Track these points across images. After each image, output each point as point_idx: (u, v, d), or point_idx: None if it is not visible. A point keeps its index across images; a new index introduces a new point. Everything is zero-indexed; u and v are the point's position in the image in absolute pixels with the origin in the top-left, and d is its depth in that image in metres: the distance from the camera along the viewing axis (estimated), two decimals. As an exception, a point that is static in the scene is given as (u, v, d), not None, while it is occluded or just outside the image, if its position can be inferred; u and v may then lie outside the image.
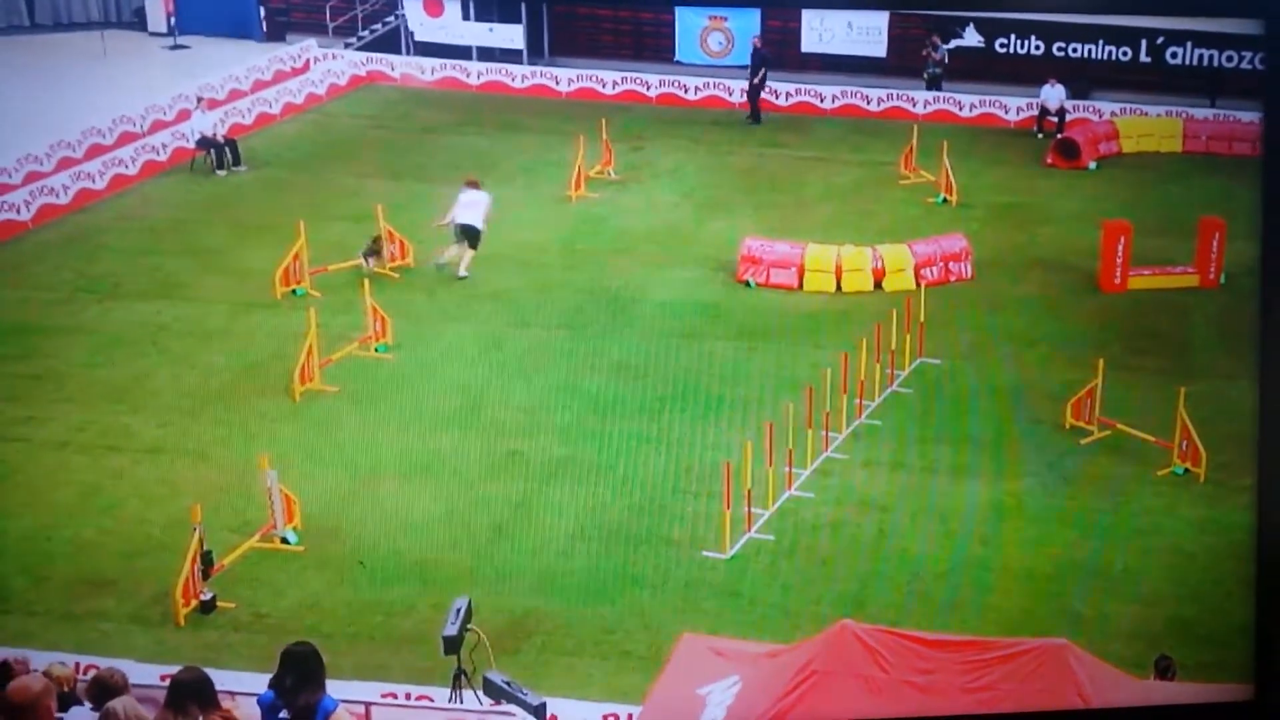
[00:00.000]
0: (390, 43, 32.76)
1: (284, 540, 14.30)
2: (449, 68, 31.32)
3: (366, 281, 19.18)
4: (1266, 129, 9.79)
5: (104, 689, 8.71)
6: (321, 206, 23.30)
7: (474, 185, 21.29)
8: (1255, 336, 10.94)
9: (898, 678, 10.56)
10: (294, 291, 20.08)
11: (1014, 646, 10.62)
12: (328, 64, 30.85)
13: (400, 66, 31.52)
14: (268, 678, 8.90)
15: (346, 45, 32.31)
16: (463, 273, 20.87)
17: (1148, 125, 27.74)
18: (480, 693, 11.29)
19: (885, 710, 10.45)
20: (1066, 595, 13.96)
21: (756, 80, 28.98)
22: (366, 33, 32.89)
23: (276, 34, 33.80)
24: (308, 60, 30.94)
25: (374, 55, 31.63)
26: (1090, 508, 15.43)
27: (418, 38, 32.78)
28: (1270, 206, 10.26)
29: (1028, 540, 14.83)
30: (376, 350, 18.49)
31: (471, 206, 20.97)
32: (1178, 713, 11.11)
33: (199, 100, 26.03)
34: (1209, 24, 29.21)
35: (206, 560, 13.35)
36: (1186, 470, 15.95)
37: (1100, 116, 28.20)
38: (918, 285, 20.23)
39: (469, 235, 20.90)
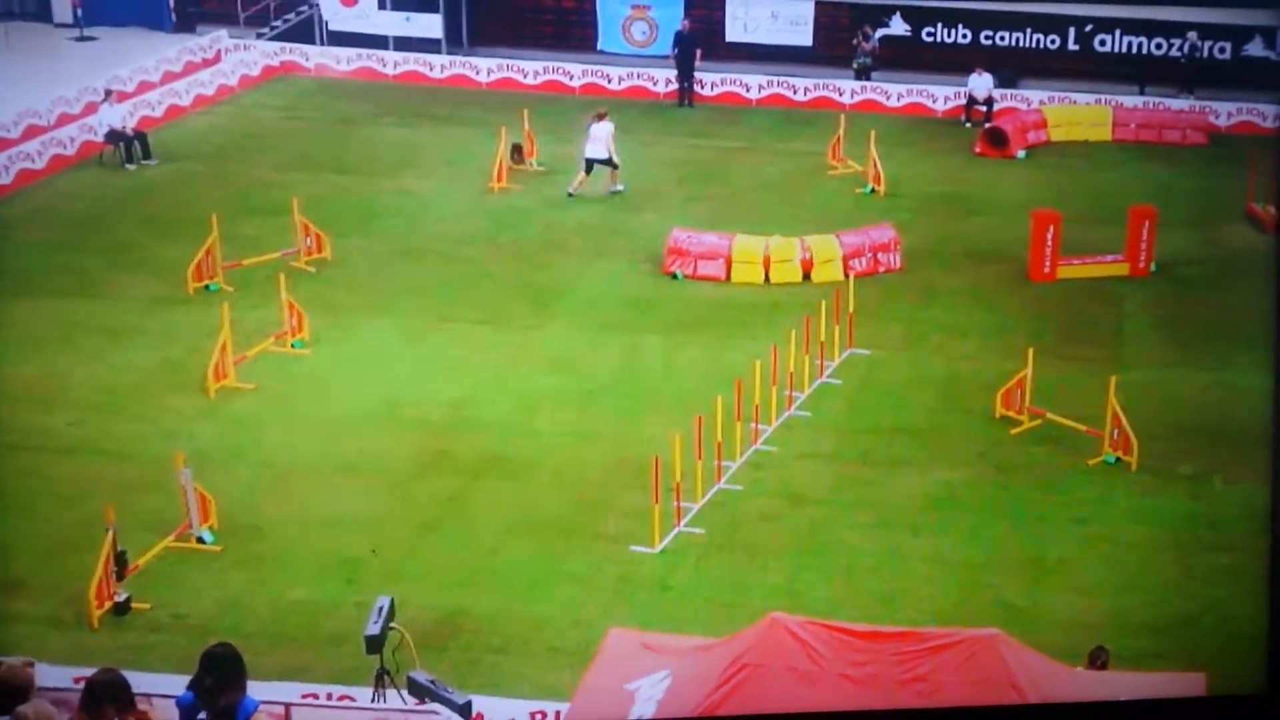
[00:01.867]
0: (304, 33, 32.56)
1: (200, 540, 14.18)
2: (365, 58, 31.20)
3: (282, 276, 19.04)
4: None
5: (5, 690, 8.41)
6: (235, 200, 23.14)
7: (600, 117, 23.58)
8: (1272, 332, 11.21)
9: (830, 670, 10.66)
10: (207, 287, 19.92)
11: (947, 637, 10.75)
12: (240, 55, 30.63)
13: (315, 57, 31.35)
14: (187, 679, 8.84)
15: (259, 35, 32.10)
16: (618, 187, 23.82)
17: (1076, 114, 28.17)
18: (404, 692, 11.26)
19: (818, 703, 10.54)
20: (1001, 586, 14.14)
21: (682, 61, 29.02)
22: (280, 23, 32.68)
23: (186, 25, 33.51)
24: (219, 51, 30.70)
25: (288, 45, 31.44)
26: (1023, 497, 15.65)
27: (332, 27, 32.61)
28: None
29: (961, 530, 15.01)
30: (293, 346, 18.38)
31: (595, 140, 23.37)
32: (1187, 706, 11.34)
33: (107, 93, 25.72)
34: (1137, 10, 29.70)
35: (121, 561, 13.21)
36: (1118, 459, 16.20)
37: (1029, 105, 28.59)
38: (846, 276, 20.40)
39: (602, 164, 23.50)
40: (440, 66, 31.00)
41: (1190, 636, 13.61)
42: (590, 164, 23.70)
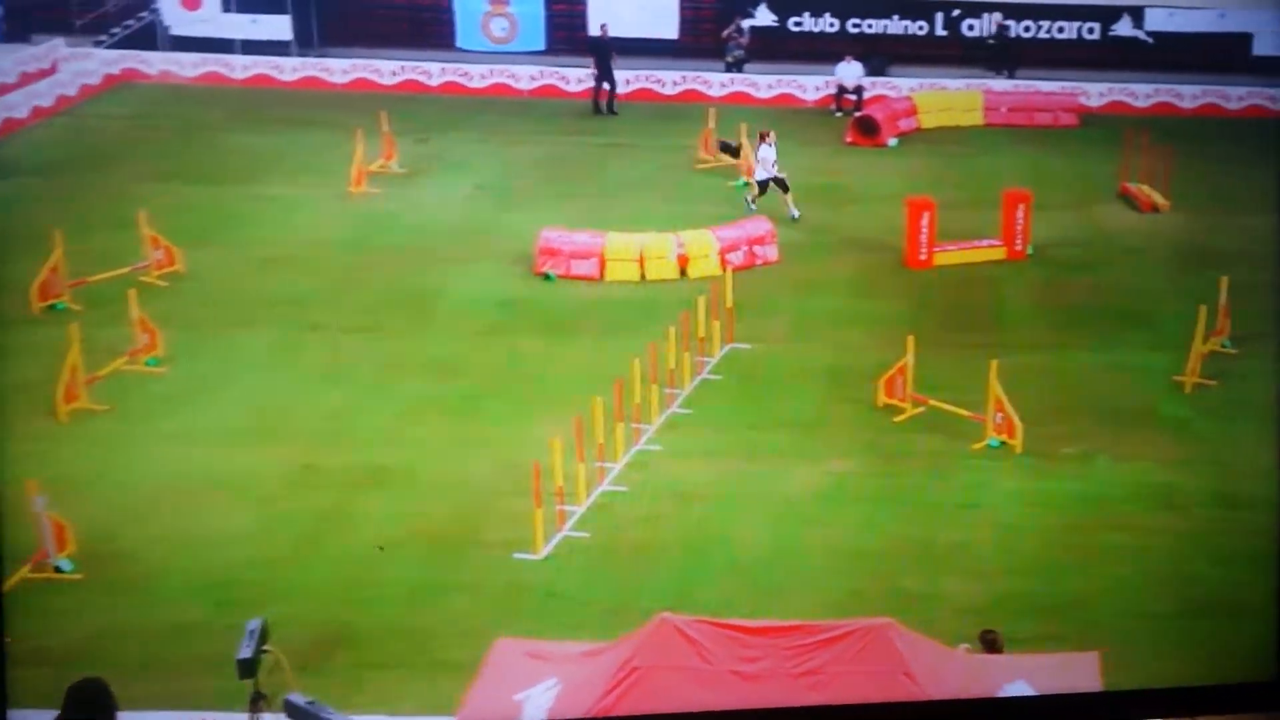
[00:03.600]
0: (145, 39, 32.12)
1: (58, 569, 13.97)
2: (212, 62, 30.89)
3: (133, 292, 18.78)
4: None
5: None
6: (80, 214, 22.73)
7: (762, 138, 23.38)
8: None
9: (722, 668, 10.85)
10: (53, 306, 19.58)
11: (839, 629, 11.00)
12: (78, 64, 30.14)
13: (158, 63, 30.96)
14: (54, 714, 8.76)
15: (97, 44, 31.58)
16: (793, 212, 23.33)
17: (947, 99, 28.80)
18: (282, 716, 11.24)
19: (710, 702, 10.71)
20: (892, 574, 14.44)
21: (600, 66, 28.95)
22: (119, 29, 32.18)
23: (19, 34, 32.79)
24: (55, 60, 30.16)
25: (128, 53, 30.99)
26: (911, 485, 16.00)
27: (175, 32, 32.22)
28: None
29: (850, 521, 15.31)
30: (147, 364, 18.15)
31: (761, 162, 23.34)
32: (1199, 694, 11.70)
33: (-64, 107, 25.18)
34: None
35: (-25, 595, 12.97)
36: (1003, 443, 16.64)
37: (898, 93, 29.15)
38: (723, 270, 20.69)
39: (777, 184, 23.34)
40: (291, 69, 30.79)
41: (1084, 616, 14.02)
42: (764, 185, 23.54)
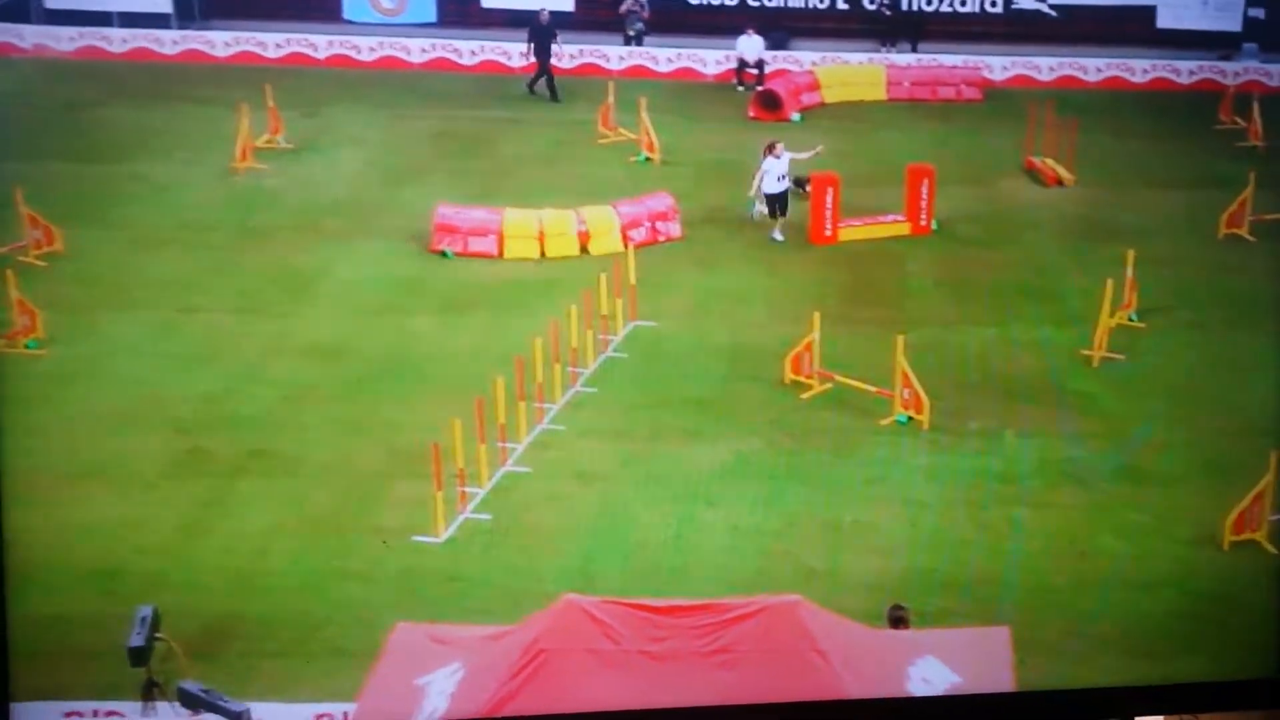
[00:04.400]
0: (17, 11, 31.44)
1: (-65, 558, 13.72)
2: (89, 35, 30.32)
3: (10, 273, 18.48)
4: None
5: None
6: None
7: (770, 150, 21.79)
8: None
9: (630, 649, 10.96)
10: (-75, 289, 19.22)
11: (747, 606, 11.16)
12: (-56, 37, 29.48)
13: (32, 36, 30.30)
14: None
15: (-36, 16, 30.93)
16: (776, 236, 21.74)
17: (849, 74, 28.98)
18: (176, 704, 11.19)
19: (619, 683, 10.80)
20: (800, 552, 14.65)
21: (541, 53, 28.58)
22: (-11, 0, 31.55)
23: (-124, 9, 32.08)
24: (-81, 34, 29.50)
25: (0, 26, 30.34)
26: (817, 462, 16.21)
27: (49, 4, 31.51)
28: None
29: (757, 499, 15.46)
30: (26, 347, 17.88)
31: (768, 174, 21.79)
32: (1199, 690, 12.05)
33: None
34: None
35: None
36: (910, 418, 16.88)
37: (800, 67, 29.32)
38: (626, 247, 20.74)
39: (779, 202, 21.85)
40: (172, 42, 30.30)
41: (991, 591, 14.29)
42: (778, 200, 21.87)
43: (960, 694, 11.44)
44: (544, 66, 28.45)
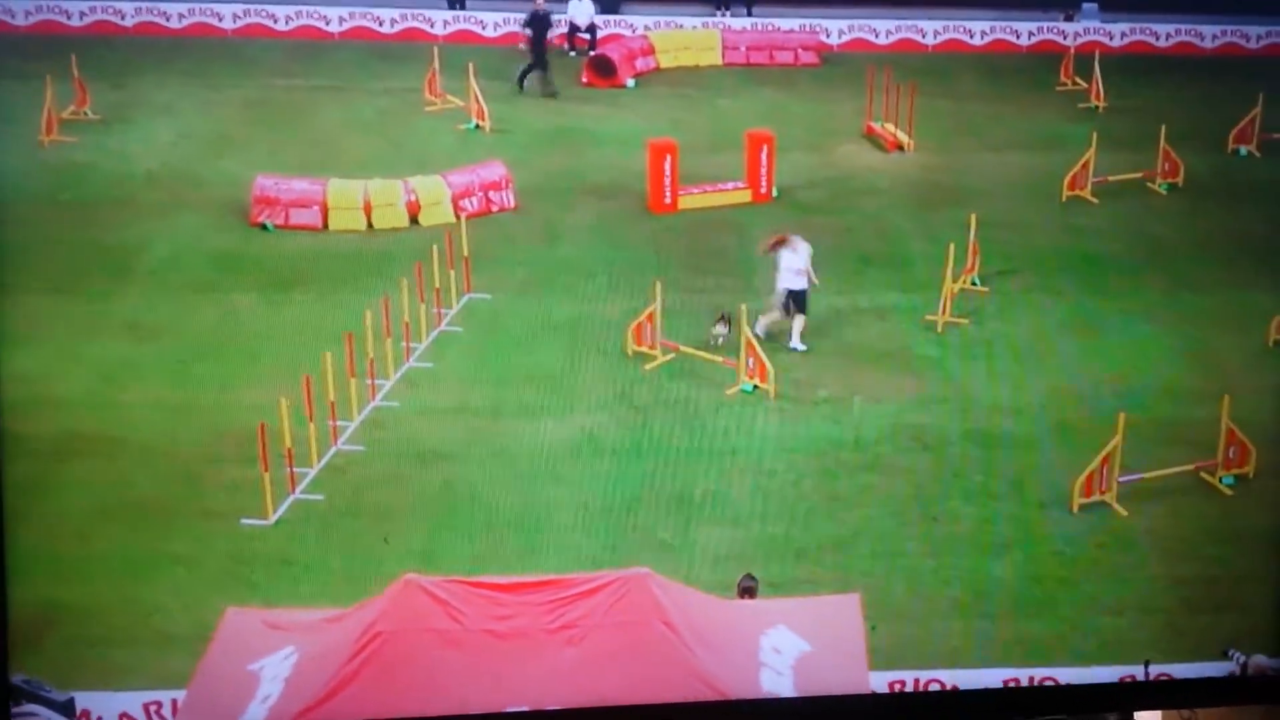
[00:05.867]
0: None
1: None
2: None
3: None
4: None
5: None
6: None
7: (781, 244, 18.73)
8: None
9: (473, 627, 11.05)
10: None
11: (595, 581, 11.32)
12: None
13: None
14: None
15: None
16: (797, 345, 18.48)
17: (684, 39, 29.26)
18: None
19: (463, 663, 10.88)
20: (649, 525, 14.88)
21: (537, 43, 28.04)
22: None
23: None
24: None
25: None
26: (665, 434, 16.43)
27: None
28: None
29: (604, 474, 15.66)
30: None
31: (786, 271, 18.57)
32: (1199, 686, 12.42)
33: None
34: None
35: None
36: (756, 387, 17.19)
37: (634, 31, 29.52)
38: (458, 218, 20.76)
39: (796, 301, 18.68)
40: (-35, 9, 29.53)
41: (841, 559, 14.66)
42: (796, 299, 18.61)
43: (954, 688, 12.26)
44: (540, 59, 27.97)
